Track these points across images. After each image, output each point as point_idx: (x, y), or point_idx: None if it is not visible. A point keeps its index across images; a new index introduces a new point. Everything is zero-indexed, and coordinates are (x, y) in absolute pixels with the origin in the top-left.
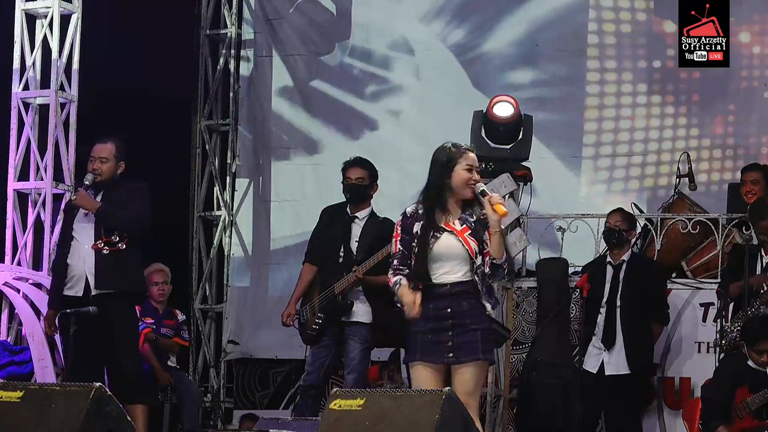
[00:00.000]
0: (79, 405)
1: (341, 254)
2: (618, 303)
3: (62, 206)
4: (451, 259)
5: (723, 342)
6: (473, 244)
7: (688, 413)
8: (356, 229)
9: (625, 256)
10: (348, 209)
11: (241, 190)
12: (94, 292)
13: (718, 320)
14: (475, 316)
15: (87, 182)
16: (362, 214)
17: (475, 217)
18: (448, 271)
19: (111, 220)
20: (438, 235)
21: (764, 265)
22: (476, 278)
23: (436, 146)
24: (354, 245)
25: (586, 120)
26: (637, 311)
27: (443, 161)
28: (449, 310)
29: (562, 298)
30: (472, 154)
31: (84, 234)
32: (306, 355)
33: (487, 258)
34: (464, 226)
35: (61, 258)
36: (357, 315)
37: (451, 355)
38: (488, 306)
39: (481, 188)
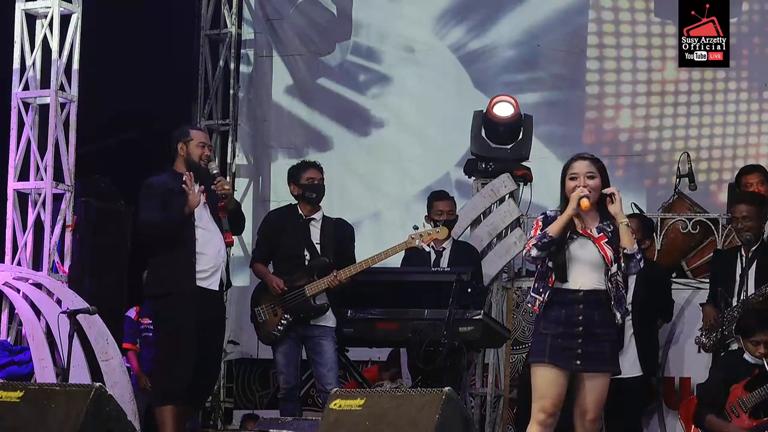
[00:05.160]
0: (79, 405)
1: (306, 256)
2: (629, 309)
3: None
4: (585, 264)
5: (707, 340)
6: (609, 252)
7: (685, 412)
8: (315, 231)
9: None
10: (301, 212)
11: (240, 190)
12: (225, 288)
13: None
14: (605, 326)
15: (217, 171)
16: (318, 215)
17: (612, 227)
18: (582, 277)
19: (243, 217)
20: (574, 237)
21: (742, 268)
22: (609, 286)
23: (436, 146)
24: (317, 247)
25: (586, 120)
26: (648, 315)
27: (563, 171)
28: (581, 317)
29: None
30: (576, 163)
31: (210, 225)
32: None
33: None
34: (601, 234)
35: (190, 248)
36: (325, 318)
37: (578, 362)
38: (618, 315)
39: (584, 194)
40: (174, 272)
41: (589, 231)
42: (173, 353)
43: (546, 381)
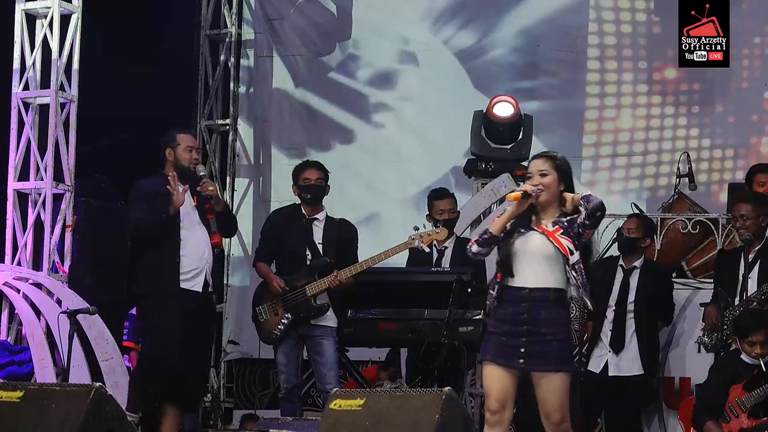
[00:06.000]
0: (79, 405)
1: (308, 256)
2: (631, 308)
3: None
4: (533, 259)
5: (709, 340)
6: (566, 242)
7: (684, 413)
8: (317, 231)
9: (638, 263)
10: (304, 211)
11: (241, 190)
12: (210, 289)
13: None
14: (551, 325)
15: (204, 173)
16: (321, 215)
17: (567, 219)
18: (529, 273)
19: (233, 219)
20: (522, 231)
21: (746, 267)
22: (574, 275)
23: (436, 146)
24: (319, 247)
25: (586, 120)
26: (650, 315)
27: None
28: (525, 315)
29: None
30: (531, 162)
31: (194, 227)
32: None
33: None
34: (556, 227)
35: (173, 249)
36: (326, 318)
37: (521, 361)
38: (589, 303)
39: (521, 189)
40: (158, 274)
41: (543, 226)
42: (157, 353)
43: (488, 379)
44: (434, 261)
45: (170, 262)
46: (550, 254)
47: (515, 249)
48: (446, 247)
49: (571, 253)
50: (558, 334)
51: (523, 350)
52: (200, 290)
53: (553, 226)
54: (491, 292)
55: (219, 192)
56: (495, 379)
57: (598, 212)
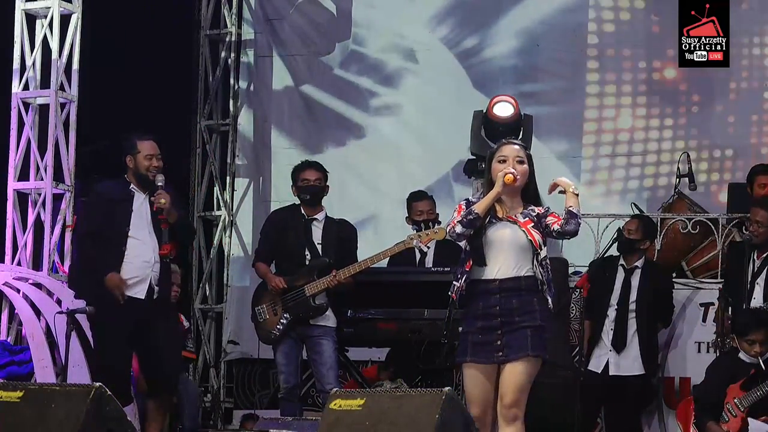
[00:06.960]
0: (79, 405)
1: (307, 256)
2: (633, 307)
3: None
4: (505, 249)
5: (721, 342)
6: (537, 236)
7: (682, 413)
8: (317, 231)
9: (639, 263)
10: (303, 212)
11: (241, 190)
12: (155, 296)
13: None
14: (525, 314)
15: (161, 183)
16: (320, 216)
17: (536, 212)
18: (500, 263)
19: (189, 230)
20: (494, 222)
21: (753, 273)
22: (540, 270)
23: (436, 146)
24: (318, 247)
25: (586, 120)
26: (651, 315)
27: (489, 156)
28: (498, 308)
29: (561, 298)
30: (505, 147)
31: (145, 236)
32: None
33: (564, 213)
34: (527, 219)
35: (117, 257)
36: (325, 318)
37: (500, 354)
38: (550, 300)
39: (509, 171)
40: (102, 280)
41: (514, 216)
42: (101, 358)
43: (470, 384)
44: (417, 261)
45: (114, 270)
46: (523, 245)
47: (488, 238)
48: (428, 248)
49: (541, 248)
50: (532, 320)
51: (499, 343)
52: (143, 297)
53: (524, 218)
54: (455, 283)
55: (170, 205)
56: (476, 384)
57: (568, 236)
